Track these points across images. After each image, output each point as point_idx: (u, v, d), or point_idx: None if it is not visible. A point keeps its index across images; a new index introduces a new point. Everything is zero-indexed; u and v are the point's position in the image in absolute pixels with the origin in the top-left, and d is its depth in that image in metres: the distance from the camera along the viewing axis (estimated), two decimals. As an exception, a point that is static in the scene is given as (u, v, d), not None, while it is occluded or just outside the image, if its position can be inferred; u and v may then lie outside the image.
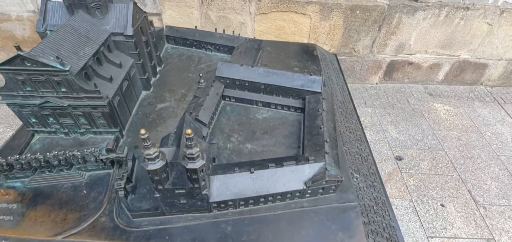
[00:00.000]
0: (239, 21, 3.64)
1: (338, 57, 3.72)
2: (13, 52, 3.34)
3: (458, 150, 3.09)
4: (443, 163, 2.99)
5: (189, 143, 0.75)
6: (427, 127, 3.37)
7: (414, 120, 3.49)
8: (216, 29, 1.92)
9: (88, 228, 0.93)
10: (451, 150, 3.10)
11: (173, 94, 1.48)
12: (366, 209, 1.04)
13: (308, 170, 0.99)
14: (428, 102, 3.73)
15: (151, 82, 1.54)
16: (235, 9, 3.53)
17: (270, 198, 0.99)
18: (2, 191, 1.03)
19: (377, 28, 3.68)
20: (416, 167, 2.97)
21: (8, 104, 1.06)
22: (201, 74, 1.40)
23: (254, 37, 3.60)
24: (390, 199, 2.53)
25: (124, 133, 1.26)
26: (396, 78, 4.01)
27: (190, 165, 0.78)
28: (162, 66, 1.66)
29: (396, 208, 2.57)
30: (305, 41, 3.53)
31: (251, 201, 0.98)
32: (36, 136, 1.21)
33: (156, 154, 0.77)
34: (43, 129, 1.18)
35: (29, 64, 0.93)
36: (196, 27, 1.99)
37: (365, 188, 1.14)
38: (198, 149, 0.77)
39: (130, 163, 1.09)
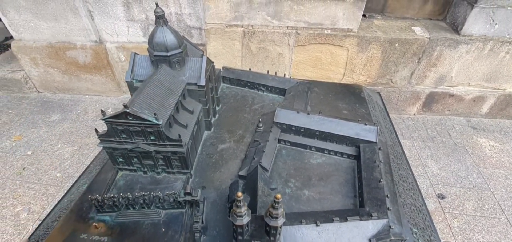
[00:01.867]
0: (277, 52, 3.80)
1: (375, 88, 3.74)
2: (75, 76, 3.70)
3: (506, 190, 2.95)
4: (490, 205, 2.86)
5: (276, 205, 0.85)
6: (471, 163, 3.25)
7: (456, 155, 3.38)
8: (268, 71, 2.05)
9: (170, 265, 1.06)
10: (499, 191, 2.97)
11: (232, 135, 1.61)
12: (427, 268, 1.07)
13: (372, 226, 1.05)
14: (471, 137, 3.60)
15: (212, 121, 1.68)
16: (275, 41, 3.70)
17: (335, 252, 1.05)
18: (95, 224, 1.19)
19: (416, 60, 3.66)
20: (460, 207, 2.87)
21: (104, 147, 1.24)
22: (260, 119, 1.52)
23: (291, 65, 3.72)
24: (435, 243, 2.46)
25: (192, 172, 1.40)
26: (436, 109, 3.93)
27: (273, 223, 0.88)
28: (220, 106, 1.81)
29: (440, 251, 2.50)
30: (341, 71, 3.61)
31: (317, 254, 1.05)
32: (120, 173, 1.38)
33: (245, 212, 0.88)
34: (127, 167, 1.35)
35: (130, 118, 1.10)
36: (250, 69, 2.14)
37: (424, 244, 1.17)
38: (282, 210, 0.87)
39: (201, 205, 1.22)
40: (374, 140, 1.41)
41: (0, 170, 2.89)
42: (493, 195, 2.86)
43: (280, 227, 0.91)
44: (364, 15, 3.65)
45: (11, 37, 3.56)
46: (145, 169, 1.34)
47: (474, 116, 3.79)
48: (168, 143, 1.20)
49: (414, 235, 1.16)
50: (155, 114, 1.10)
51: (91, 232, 1.16)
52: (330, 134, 1.47)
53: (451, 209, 2.77)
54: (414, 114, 3.88)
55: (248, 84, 1.95)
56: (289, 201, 1.28)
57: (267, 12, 3.31)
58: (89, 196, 1.17)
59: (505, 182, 2.96)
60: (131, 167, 1.35)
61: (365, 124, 1.45)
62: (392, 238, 1.01)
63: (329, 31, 3.47)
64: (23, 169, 2.82)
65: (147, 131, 1.16)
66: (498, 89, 3.61)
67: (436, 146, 3.42)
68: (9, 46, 3.88)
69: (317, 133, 1.49)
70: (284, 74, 2.81)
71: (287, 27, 3.55)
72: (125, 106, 1.07)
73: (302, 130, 1.51)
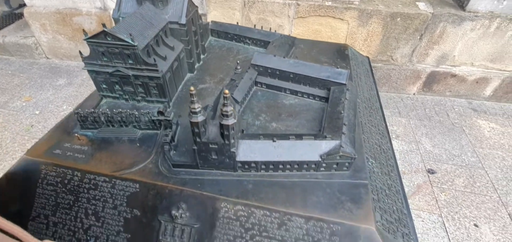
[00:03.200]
0: (277, 24, 3.83)
1: (375, 64, 3.73)
2: (81, 43, 3.90)
3: (502, 170, 2.91)
4: (482, 183, 2.84)
5: (226, 102, 0.93)
6: (467, 143, 3.21)
7: (452, 135, 3.35)
8: (255, 25, 2.11)
9: (138, 170, 1.17)
10: (493, 170, 2.93)
11: (213, 78, 1.70)
12: (377, 190, 1.13)
13: (325, 145, 1.11)
14: (470, 118, 3.55)
15: (196, 66, 1.77)
16: (275, 12, 3.73)
17: (288, 166, 1.13)
18: (78, 136, 1.32)
19: (418, 37, 3.62)
20: (449, 182, 2.87)
21: (89, 71, 1.36)
22: (238, 62, 1.59)
23: None
24: (417, 211, 2.51)
25: (170, 104, 1.50)
26: (437, 90, 3.87)
27: (224, 121, 0.96)
28: (206, 54, 1.90)
29: (423, 221, 2.54)
30: None
31: (271, 166, 1.13)
32: (104, 100, 1.50)
33: (200, 109, 0.97)
34: (110, 94, 1.47)
35: (109, 39, 1.20)
36: (237, 23, 2.20)
37: (380, 174, 1.23)
38: (232, 109, 0.95)
39: (174, 127, 1.32)
40: (344, 82, 1.46)
41: (11, 127, 3.14)
42: (486, 174, 2.83)
43: (233, 129, 0.99)
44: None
45: (24, 5, 3.78)
46: (126, 97, 1.46)
47: (476, 98, 3.71)
48: (144, 67, 1.31)
49: (370, 164, 1.21)
50: (130, 34, 1.19)
51: (74, 142, 1.29)
52: (303, 77, 1.53)
53: (440, 184, 2.77)
54: (414, 93, 3.84)
55: (235, 37, 2.02)
56: (257, 130, 1.36)
57: (267, -18, 3.32)
58: (74, 110, 1.30)
59: (502, 163, 2.92)
60: (113, 95, 1.46)
61: (337, 67, 1.50)
62: (341, 154, 1.08)
63: (330, 3, 3.48)
64: (31, 126, 3.05)
65: (125, 53, 1.27)
66: (504, 70, 3.50)
67: (433, 125, 3.39)
68: (22, 14, 4.12)
69: (291, 76, 1.55)
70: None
71: None
72: (103, 25, 1.17)
73: (277, 73, 1.57)
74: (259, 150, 1.12)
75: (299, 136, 1.14)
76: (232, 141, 1.04)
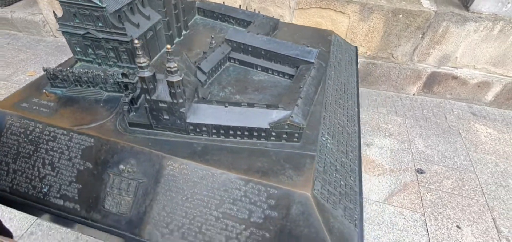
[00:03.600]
0: (278, 14, 3.82)
1: (375, 61, 3.66)
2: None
3: (493, 176, 2.82)
4: (471, 186, 2.77)
5: (169, 57, 0.95)
6: (461, 146, 3.13)
7: (447, 137, 3.26)
8: (240, 5, 2.12)
9: (96, 126, 1.21)
10: (484, 175, 2.85)
11: (190, 52, 1.72)
12: (325, 164, 1.12)
13: (276, 114, 1.12)
14: (469, 122, 3.44)
15: (175, 41, 1.80)
16: (276, 1, 3.72)
17: (238, 132, 1.14)
18: (46, 92, 1.38)
19: (420, 35, 3.54)
20: (437, 183, 2.81)
21: (63, 32, 1.41)
22: (212, 36, 1.61)
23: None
24: (400, 208, 2.47)
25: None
26: (437, 92, 3.78)
27: (169, 78, 0.98)
28: (188, 31, 1.92)
29: (404, 218, 2.50)
30: None
31: (222, 131, 1.14)
32: (78, 63, 1.55)
33: (147, 64, 0.99)
34: (84, 57, 1.52)
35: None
36: (223, 2, 2.22)
37: (334, 151, 1.22)
38: (176, 65, 0.97)
39: (138, 91, 1.35)
40: (312, 60, 1.45)
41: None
42: (477, 177, 2.75)
43: (179, 86, 1.01)
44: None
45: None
46: (99, 61, 1.50)
47: (477, 102, 3.58)
48: (113, 30, 1.34)
49: (323, 139, 1.20)
50: (98, -5, 1.23)
51: (41, 98, 1.35)
52: (274, 54, 1.53)
53: (427, 184, 2.71)
54: (413, 94, 3.75)
55: (220, 16, 2.04)
56: (219, 100, 1.37)
57: (269, -32, 3.31)
58: (43, 67, 1.35)
59: (494, 168, 2.83)
60: (87, 58, 1.51)
61: (307, 46, 1.49)
62: (289, 122, 1.08)
63: None
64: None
65: (94, 15, 1.31)
66: (506, 76, 3.37)
67: (428, 126, 3.31)
68: (31, -10, 4.24)
69: (262, 53, 1.56)
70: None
71: None
72: (71, -16, 1.22)
73: (250, 49, 1.58)
74: (210, 114, 1.13)
75: (251, 104, 1.15)
76: (180, 100, 1.06)
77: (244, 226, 0.98)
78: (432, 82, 3.59)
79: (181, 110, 1.08)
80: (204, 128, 1.14)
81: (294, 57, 1.50)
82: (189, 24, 2.00)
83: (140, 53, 0.97)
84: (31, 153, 1.20)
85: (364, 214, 1.59)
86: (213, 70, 1.49)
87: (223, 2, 2.13)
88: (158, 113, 1.12)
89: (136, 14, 1.51)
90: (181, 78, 1.00)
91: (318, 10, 3.57)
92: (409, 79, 3.68)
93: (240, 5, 2.11)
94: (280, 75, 1.55)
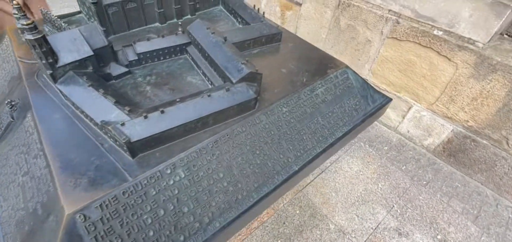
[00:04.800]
0: (366, 37, 3.27)
1: (477, 139, 2.53)
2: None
3: None
4: None
5: (22, 14, 0.99)
6: None
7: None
8: (254, 5, 1.88)
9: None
10: None
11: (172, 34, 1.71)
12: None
13: (115, 115, 0.97)
14: None
15: (169, 21, 1.83)
16: (367, 23, 3.19)
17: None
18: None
19: None
20: None
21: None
22: (180, 23, 1.53)
23: (375, 59, 3.08)
24: None
25: (110, 37, 1.64)
26: None
27: (28, 36, 1.03)
28: (193, 16, 1.91)
29: None
30: (436, 93, 2.67)
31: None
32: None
33: (32, 26, 1.06)
34: None
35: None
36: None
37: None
38: (30, 22, 1.00)
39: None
40: (233, 80, 1.14)
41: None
42: None
43: (39, 40, 1.04)
44: (501, 34, 2.39)
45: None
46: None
47: None
48: (92, -8, 1.52)
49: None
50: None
51: None
52: (212, 60, 1.30)
53: None
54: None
55: (233, 11, 1.90)
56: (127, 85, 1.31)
57: (373, -15, 2.81)
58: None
59: None
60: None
61: (244, 63, 1.18)
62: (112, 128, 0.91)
63: (441, 33, 2.62)
64: None
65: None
66: None
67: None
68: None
69: (206, 55, 1.36)
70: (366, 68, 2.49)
71: (389, 10, 2.95)
72: None
73: (200, 48, 1.41)
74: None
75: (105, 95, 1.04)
76: (45, 60, 1.09)
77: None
78: None
79: (48, 71, 1.12)
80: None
81: (223, 70, 1.23)
82: (204, 12, 1.98)
83: (18, 15, 1.04)
84: None
85: None
86: (150, 55, 1.42)
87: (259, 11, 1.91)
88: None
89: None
90: (40, 36, 1.03)
91: (416, 46, 2.71)
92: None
93: (254, 5, 1.89)
94: (212, 84, 1.31)
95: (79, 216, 0.79)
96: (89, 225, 0.80)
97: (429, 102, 2.75)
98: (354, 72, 1.57)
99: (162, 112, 1.01)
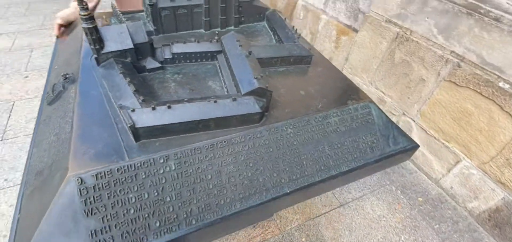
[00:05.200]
0: (419, 76, 3.09)
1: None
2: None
3: None
4: None
5: (83, 5, 1.21)
6: None
7: None
8: (293, 26, 1.90)
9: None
10: None
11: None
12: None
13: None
14: None
15: (213, 29, 1.99)
16: (424, 61, 3.02)
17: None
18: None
19: None
20: None
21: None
22: (217, 32, 1.66)
23: (427, 100, 2.85)
24: None
25: (159, 36, 1.86)
26: None
27: (85, 25, 1.25)
28: (236, 28, 2.04)
29: None
30: (491, 152, 2.39)
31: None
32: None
33: (88, 17, 1.29)
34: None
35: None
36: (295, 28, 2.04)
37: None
38: (88, 13, 1.22)
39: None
40: (242, 91, 1.19)
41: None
42: None
43: (91, 29, 1.26)
44: None
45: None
46: (152, 17, 2.00)
47: None
48: (149, -5, 1.76)
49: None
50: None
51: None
52: (231, 70, 1.39)
53: None
54: None
55: (273, 29, 1.98)
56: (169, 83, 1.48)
57: (437, 23, 2.71)
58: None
59: None
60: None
61: (258, 77, 1.24)
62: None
63: (507, 86, 2.37)
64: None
65: (144, -20, 1.77)
66: None
67: None
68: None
69: (229, 64, 1.45)
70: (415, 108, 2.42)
71: (451, 51, 2.76)
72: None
73: (226, 57, 1.51)
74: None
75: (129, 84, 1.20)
76: (97, 46, 1.31)
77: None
78: None
79: (94, 56, 1.34)
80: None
81: (237, 80, 1.30)
82: (247, 25, 2.10)
83: (84, 5, 1.27)
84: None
85: None
86: (183, 56, 1.57)
87: (294, 27, 1.96)
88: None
89: (175, -6, 1.84)
90: (93, 25, 1.25)
91: (476, 95, 2.41)
92: None
93: (293, 26, 1.92)
94: (227, 92, 1.39)
95: (77, 179, 0.93)
96: (82, 188, 0.93)
97: (481, 161, 2.38)
98: (378, 108, 1.47)
99: (169, 107, 1.12)
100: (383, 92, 3.31)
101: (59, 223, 0.91)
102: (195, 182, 1.07)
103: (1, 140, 2.86)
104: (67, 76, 1.45)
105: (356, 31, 3.78)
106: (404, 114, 3.13)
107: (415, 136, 3.03)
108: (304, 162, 1.26)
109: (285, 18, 2.02)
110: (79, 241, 0.91)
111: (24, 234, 0.93)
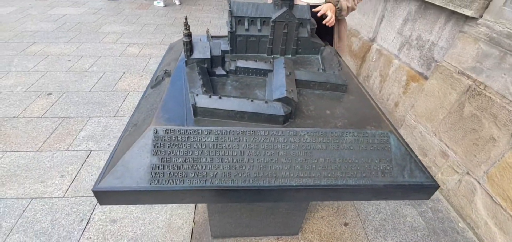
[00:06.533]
0: (491, 134, 3.02)
1: None
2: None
3: None
4: None
5: (186, 28, 1.84)
6: None
7: None
8: (339, 63, 2.17)
9: (189, 57, 2.38)
10: None
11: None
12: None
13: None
14: None
15: (274, 55, 2.45)
16: (497, 119, 2.97)
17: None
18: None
19: None
20: None
21: (229, 20, 2.65)
22: (272, 57, 2.09)
23: (496, 162, 2.70)
24: None
25: (233, 54, 2.42)
26: None
27: (185, 39, 1.87)
28: (292, 56, 2.45)
29: None
30: None
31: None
32: (230, 39, 2.76)
33: (187, 34, 1.92)
34: (231, 37, 2.69)
35: None
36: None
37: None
38: (187, 32, 1.83)
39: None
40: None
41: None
42: None
43: (187, 42, 1.87)
44: None
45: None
46: (231, 41, 2.61)
47: None
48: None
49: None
50: (231, 5, 2.29)
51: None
52: (272, 84, 1.79)
53: None
54: None
55: (322, 61, 2.30)
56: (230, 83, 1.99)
57: (516, 81, 2.63)
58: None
59: None
60: (231, 38, 2.66)
61: (287, 90, 1.60)
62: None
63: None
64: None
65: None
66: None
67: None
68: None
69: (272, 79, 1.86)
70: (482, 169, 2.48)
71: None
72: (226, -6, 2.35)
73: (272, 74, 1.93)
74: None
75: (200, 79, 1.74)
76: (188, 53, 1.92)
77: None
78: None
79: (185, 60, 1.95)
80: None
81: (272, 89, 1.69)
82: (302, 56, 2.49)
83: (187, 25, 1.92)
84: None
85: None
86: (243, 69, 2.06)
87: (340, 65, 2.29)
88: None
89: (254, 25, 2.38)
90: (187, 40, 1.86)
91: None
92: None
93: (339, 61, 2.19)
94: (265, 97, 1.79)
95: (154, 130, 1.47)
96: (155, 136, 1.46)
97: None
98: (398, 139, 1.60)
99: (220, 98, 1.58)
100: (447, 145, 3.10)
101: (138, 154, 1.45)
102: (224, 154, 1.48)
103: (114, 116, 3.98)
104: (166, 71, 2.13)
105: (426, 78, 3.69)
106: (468, 173, 2.86)
107: (479, 201, 2.73)
108: (314, 166, 1.52)
109: (336, 53, 2.31)
110: (145, 167, 1.42)
111: (117, 156, 1.51)
